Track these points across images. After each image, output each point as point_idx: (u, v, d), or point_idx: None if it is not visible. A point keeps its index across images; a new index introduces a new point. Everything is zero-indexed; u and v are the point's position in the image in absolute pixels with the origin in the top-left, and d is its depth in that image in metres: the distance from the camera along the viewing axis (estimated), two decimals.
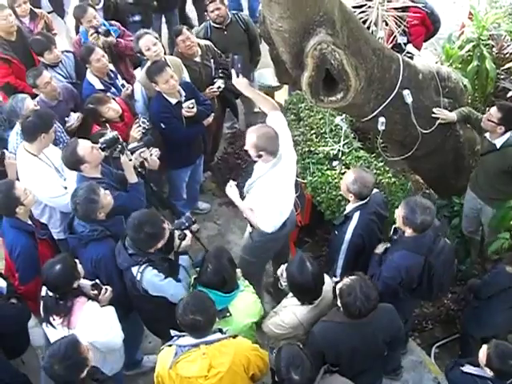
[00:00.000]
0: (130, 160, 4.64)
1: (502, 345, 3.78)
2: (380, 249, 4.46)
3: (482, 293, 4.75)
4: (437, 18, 6.64)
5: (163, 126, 5.37)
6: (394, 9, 5.01)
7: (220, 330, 3.61)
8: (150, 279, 3.97)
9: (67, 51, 6.14)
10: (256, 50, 6.76)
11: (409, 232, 4.17)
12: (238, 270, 4.10)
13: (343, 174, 5.06)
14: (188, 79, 5.80)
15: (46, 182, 4.72)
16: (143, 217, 3.95)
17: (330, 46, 3.76)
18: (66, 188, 4.72)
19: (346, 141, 5.45)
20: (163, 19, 8.06)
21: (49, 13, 7.00)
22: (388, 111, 4.73)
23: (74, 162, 4.45)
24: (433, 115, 5.00)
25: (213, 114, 5.77)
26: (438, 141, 5.21)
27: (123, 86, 5.78)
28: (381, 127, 4.78)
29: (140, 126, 5.26)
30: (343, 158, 5.39)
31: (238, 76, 4.42)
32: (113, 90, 5.71)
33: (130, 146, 4.86)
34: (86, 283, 4.00)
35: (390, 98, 4.64)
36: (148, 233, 3.90)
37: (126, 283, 4.13)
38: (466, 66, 6.08)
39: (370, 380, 4.11)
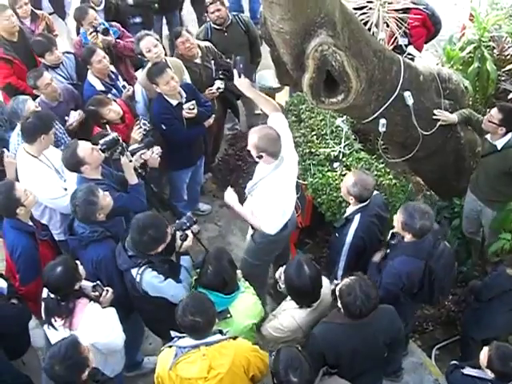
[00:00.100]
0: (131, 161, 4.64)
1: (503, 346, 3.77)
2: (377, 257, 4.46)
3: (482, 295, 4.75)
4: (438, 19, 6.63)
5: (164, 128, 5.38)
6: (395, 10, 5.00)
7: (220, 332, 3.61)
8: (150, 281, 3.97)
9: (68, 52, 6.16)
10: (256, 51, 6.77)
11: (408, 237, 4.16)
12: (239, 272, 4.10)
13: (344, 175, 5.06)
14: (189, 80, 5.80)
15: (45, 183, 4.72)
16: (148, 220, 3.94)
17: (331, 47, 3.76)
18: (65, 189, 4.71)
19: (346, 142, 5.44)
20: (164, 20, 8.06)
21: (50, 14, 7.03)
22: (389, 113, 4.73)
23: (74, 163, 4.45)
24: (434, 117, 5.00)
25: (213, 116, 5.77)
26: (438, 142, 5.21)
27: (124, 87, 5.78)
28: (381, 129, 4.78)
29: (141, 127, 5.26)
30: (344, 159, 5.39)
31: (239, 76, 4.42)
32: (114, 91, 5.72)
33: (130, 148, 4.86)
34: (87, 285, 3.99)
35: (390, 100, 4.64)
36: (152, 236, 3.89)
37: (126, 284, 4.13)
38: (466, 68, 6.08)
39: (370, 381, 4.11)
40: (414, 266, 4.18)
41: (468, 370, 3.96)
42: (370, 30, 4.76)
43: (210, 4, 6.41)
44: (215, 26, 6.50)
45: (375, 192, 4.61)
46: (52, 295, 3.87)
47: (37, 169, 4.73)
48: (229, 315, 3.88)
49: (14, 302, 4.15)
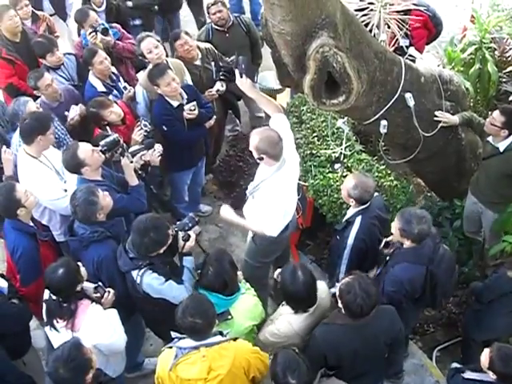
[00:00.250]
0: (131, 162, 4.64)
1: (504, 347, 3.76)
2: (371, 274, 4.46)
3: (483, 297, 4.74)
4: (439, 20, 6.63)
5: (165, 129, 5.38)
6: (396, 12, 4.99)
7: (220, 333, 3.61)
8: (150, 283, 3.96)
9: (69, 53, 6.16)
10: (257, 53, 6.77)
11: (407, 243, 4.16)
12: (240, 273, 4.09)
13: (345, 176, 5.06)
14: (190, 82, 5.80)
15: (45, 184, 4.72)
16: (148, 222, 3.93)
17: (332, 48, 3.76)
18: (65, 191, 4.71)
19: (347, 144, 5.44)
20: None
21: (51, 15, 7.02)
22: (390, 114, 4.72)
23: (74, 165, 4.45)
24: (435, 118, 5.00)
25: (214, 117, 5.77)
26: (439, 144, 5.20)
27: (125, 88, 5.78)
28: (383, 130, 4.78)
29: (142, 128, 5.26)
30: (345, 160, 5.39)
31: (241, 77, 4.42)
32: (115, 92, 5.72)
33: (130, 149, 4.86)
34: (88, 286, 3.99)
35: (391, 101, 4.64)
36: (153, 238, 3.88)
37: (128, 285, 4.13)
38: (468, 69, 6.08)
39: (371, 382, 4.11)
40: (415, 272, 4.17)
41: (469, 374, 3.94)
42: (371, 31, 4.75)
43: (212, 5, 6.42)
44: (216, 27, 6.51)
45: (375, 194, 4.61)
46: (54, 297, 3.87)
47: (36, 169, 4.73)
48: (229, 316, 3.87)
49: (14, 301, 4.14)
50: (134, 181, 4.64)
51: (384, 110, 4.66)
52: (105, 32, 5.97)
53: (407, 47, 5.95)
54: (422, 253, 4.16)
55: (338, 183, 5.17)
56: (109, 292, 4.00)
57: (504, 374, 3.70)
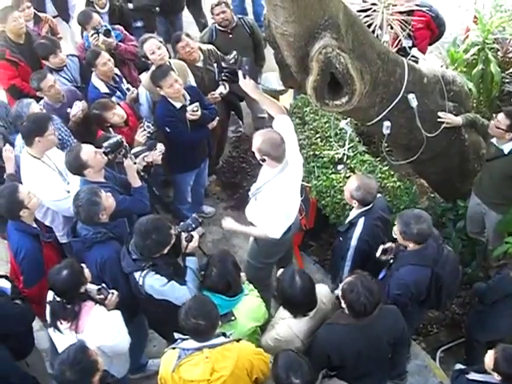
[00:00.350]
0: (134, 163, 4.64)
1: (509, 348, 3.74)
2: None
3: (486, 298, 4.73)
4: (442, 21, 6.62)
5: (168, 130, 5.38)
6: (399, 13, 5.00)
7: (224, 334, 3.61)
8: (152, 284, 3.96)
9: (72, 55, 6.17)
10: (260, 54, 6.77)
11: (410, 246, 4.17)
12: (243, 274, 4.09)
13: (348, 177, 5.06)
14: (193, 83, 5.80)
15: (48, 184, 4.72)
16: (151, 224, 3.92)
17: (335, 49, 3.76)
18: (68, 192, 4.70)
19: (350, 145, 5.44)
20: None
21: (54, 17, 7.03)
22: (393, 115, 4.72)
23: (77, 166, 4.45)
24: (438, 119, 4.99)
25: (217, 118, 5.77)
26: (443, 144, 5.20)
27: (128, 89, 5.79)
28: (386, 131, 4.77)
29: (145, 130, 5.27)
30: (348, 161, 5.39)
31: (244, 77, 4.41)
32: (118, 93, 5.73)
33: (133, 151, 4.86)
34: (92, 288, 3.99)
35: (394, 102, 4.63)
36: (155, 240, 3.88)
37: (131, 285, 4.13)
38: (470, 70, 6.07)
39: (374, 383, 4.10)
40: (420, 274, 4.17)
41: (473, 375, 3.92)
42: (373, 32, 4.76)
43: (215, 6, 6.42)
44: (220, 28, 6.51)
45: (378, 195, 4.61)
46: (58, 298, 3.87)
47: (39, 170, 4.74)
48: (233, 318, 3.87)
49: (17, 302, 4.14)
50: (136, 182, 4.64)
51: (387, 110, 4.66)
52: (107, 34, 5.97)
53: (410, 48, 5.94)
54: (426, 254, 4.16)
55: (341, 184, 5.17)
56: (112, 293, 4.00)
57: (509, 375, 3.68)
